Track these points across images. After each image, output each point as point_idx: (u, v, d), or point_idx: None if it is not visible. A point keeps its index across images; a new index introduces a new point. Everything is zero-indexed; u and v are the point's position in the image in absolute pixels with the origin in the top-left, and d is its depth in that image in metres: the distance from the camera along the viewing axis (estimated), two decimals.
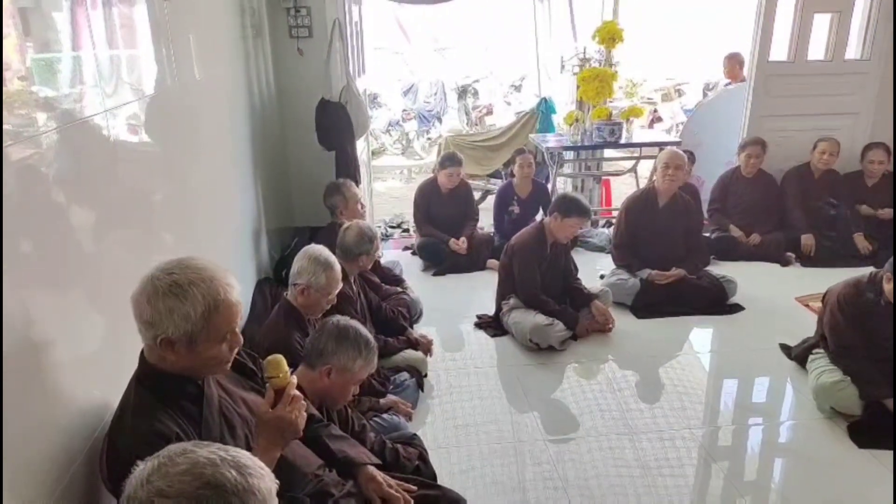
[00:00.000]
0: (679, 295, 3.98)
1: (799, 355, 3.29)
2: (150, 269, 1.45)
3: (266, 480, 1.00)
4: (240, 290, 1.52)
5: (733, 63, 6.43)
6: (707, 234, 4.83)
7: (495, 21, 12.83)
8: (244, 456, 1.01)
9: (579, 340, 3.64)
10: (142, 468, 0.97)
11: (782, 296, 4.16)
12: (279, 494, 1.46)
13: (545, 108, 7.05)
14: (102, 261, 1.79)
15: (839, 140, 4.91)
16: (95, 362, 1.71)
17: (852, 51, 5.13)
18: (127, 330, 1.49)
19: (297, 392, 1.57)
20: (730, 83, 6.52)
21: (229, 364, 1.56)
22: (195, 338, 1.43)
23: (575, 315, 3.62)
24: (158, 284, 1.41)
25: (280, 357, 1.57)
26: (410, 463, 2.18)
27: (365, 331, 2.18)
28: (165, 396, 1.47)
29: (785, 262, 4.74)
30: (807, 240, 4.75)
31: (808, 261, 4.71)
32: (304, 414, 1.58)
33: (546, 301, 3.60)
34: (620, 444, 2.76)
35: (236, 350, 1.55)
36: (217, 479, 0.95)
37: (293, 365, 2.09)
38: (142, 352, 1.51)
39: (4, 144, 1.36)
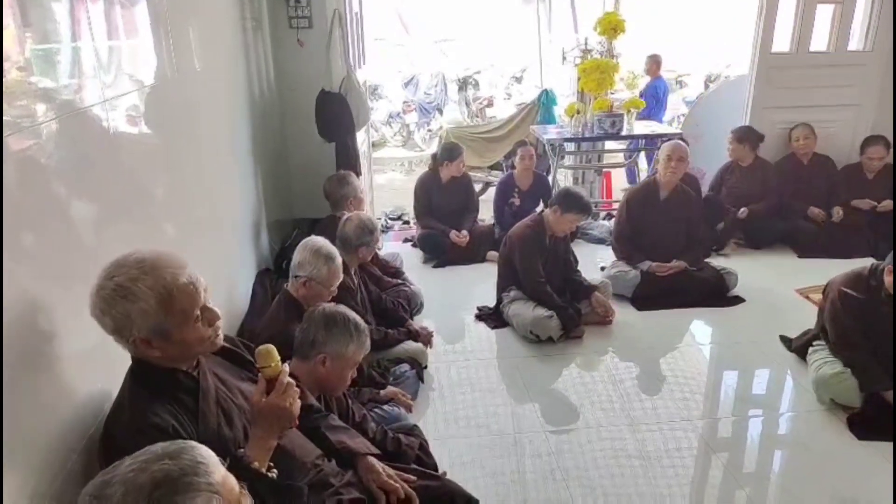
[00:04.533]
0: (679, 287, 3.98)
1: (799, 347, 3.29)
2: (94, 280, 1.42)
3: (200, 447, 1.00)
4: (190, 268, 1.48)
5: (652, 63, 7.45)
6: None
7: (496, 13, 12.77)
8: (164, 444, 0.99)
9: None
10: None
11: (783, 288, 4.16)
12: (278, 483, 1.47)
13: (546, 100, 7.03)
14: (102, 251, 1.78)
15: (841, 132, 4.92)
16: (96, 353, 1.70)
17: (855, 42, 5.11)
18: None
19: (290, 380, 1.57)
20: (651, 81, 7.48)
21: (218, 341, 1.55)
22: (165, 329, 1.41)
23: (576, 318, 3.59)
24: (104, 293, 1.39)
25: (271, 346, 1.56)
26: (412, 451, 2.19)
27: (353, 314, 2.16)
28: (160, 389, 1.47)
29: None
30: (814, 212, 4.81)
31: (805, 251, 4.72)
32: (298, 401, 1.58)
33: (550, 293, 3.60)
34: (620, 436, 2.77)
35: (218, 324, 1.53)
36: (159, 476, 0.92)
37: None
38: None
39: (4, 135, 1.36)
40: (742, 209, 4.84)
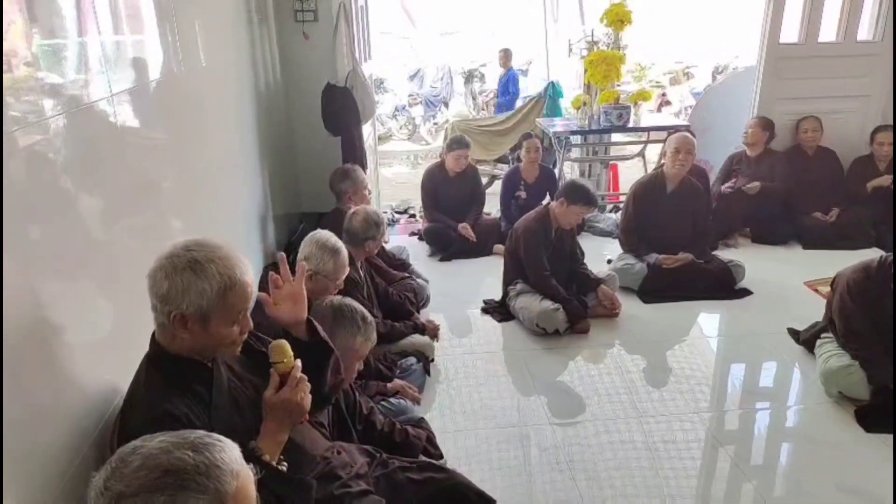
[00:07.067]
0: (686, 279, 3.97)
1: (807, 340, 3.28)
2: (168, 247, 1.47)
3: (228, 450, 0.98)
4: (253, 273, 1.54)
5: (504, 56, 8.69)
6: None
7: (502, 5, 12.73)
8: (199, 434, 0.99)
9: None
10: (97, 477, 0.94)
11: (791, 280, 4.15)
12: (288, 475, 1.48)
13: (552, 93, 7.01)
14: (110, 245, 1.80)
15: (850, 122, 4.88)
16: (105, 347, 1.72)
17: (864, 32, 5.06)
18: (136, 314, 1.50)
19: (301, 375, 1.59)
20: (504, 73, 8.69)
21: (239, 347, 1.58)
22: (209, 315, 1.45)
23: (581, 311, 3.59)
24: (177, 261, 1.43)
25: (284, 342, 1.58)
26: (419, 443, 2.20)
27: (360, 307, 2.18)
28: (176, 378, 1.49)
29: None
30: (817, 216, 4.77)
31: (809, 244, 4.71)
32: (309, 396, 1.60)
33: (555, 286, 3.60)
34: (627, 428, 2.77)
35: (246, 333, 1.57)
36: (174, 464, 0.92)
37: None
38: (153, 333, 1.52)
39: (11, 130, 1.37)
40: (754, 183, 4.79)
